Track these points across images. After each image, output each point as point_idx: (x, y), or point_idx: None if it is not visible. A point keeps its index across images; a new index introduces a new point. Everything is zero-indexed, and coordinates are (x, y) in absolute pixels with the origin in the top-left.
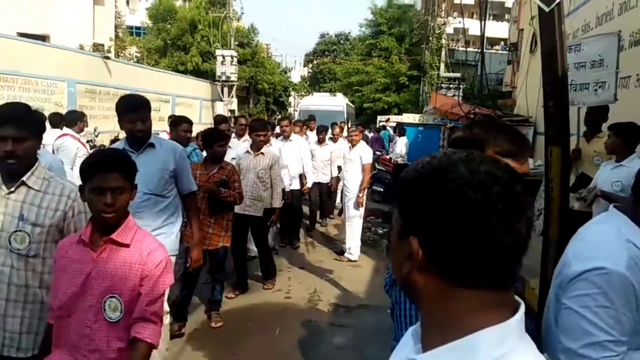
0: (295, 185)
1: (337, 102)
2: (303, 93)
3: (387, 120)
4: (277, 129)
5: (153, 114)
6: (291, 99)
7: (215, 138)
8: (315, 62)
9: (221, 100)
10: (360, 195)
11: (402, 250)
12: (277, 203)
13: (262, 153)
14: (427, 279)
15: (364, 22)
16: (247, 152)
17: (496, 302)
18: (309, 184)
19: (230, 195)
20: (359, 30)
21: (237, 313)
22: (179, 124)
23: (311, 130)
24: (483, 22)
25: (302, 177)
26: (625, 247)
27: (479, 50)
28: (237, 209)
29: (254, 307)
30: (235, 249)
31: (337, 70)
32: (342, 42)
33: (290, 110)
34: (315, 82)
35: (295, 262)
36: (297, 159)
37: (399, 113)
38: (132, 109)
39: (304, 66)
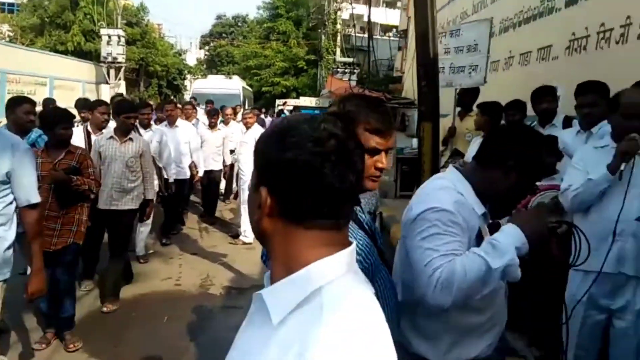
0: (183, 175)
1: (232, 85)
2: (199, 76)
3: (284, 103)
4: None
5: None
6: (187, 82)
7: (58, 119)
8: (212, 44)
9: (107, 83)
10: None
11: (255, 200)
12: (151, 194)
13: (130, 139)
14: (274, 224)
15: (262, 5)
16: (112, 137)
17: (330, 240)
18: (200, 173)
19: (85, 182)
20: (256, 12)
21: (119, 304)
22: (18, 104)
23: (205, 113)
24: (369, 9)
25: (191, 168)
26: (455, 195)
27: (371, 36)
28: (102, 204)
29: (140, 298)
30: (89, 249)
31: (235, 54)
32: (239, 24)
33: (187, 94)
34: (213, 65)
35: (188, 248)
36: (184, 146)
37: (298, 97)
38: None
39: (200, 48)
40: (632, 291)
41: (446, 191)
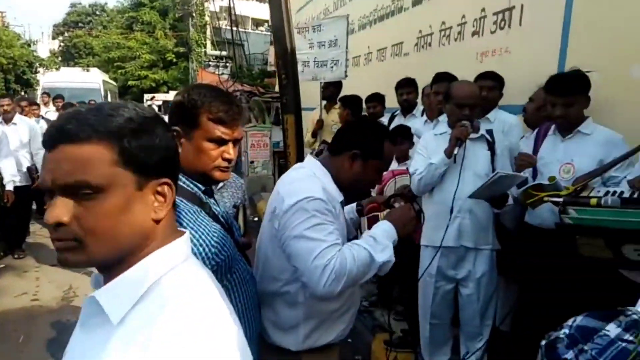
0: (22, 181)
1: (91, 79)
2: (54, 69)
3: (152, 98)
4: None
5: None
6: (39, 76)
7: None
8: (67, 34)
9: None
10: None
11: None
12: None
13: None
14: None
15: None
16: None
17: (162, 233)
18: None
19: None
20: (116, 1)
21: None
22: None
23: (58, 110)
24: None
25: (31, 171)
26: (320, 183)
27: (241, 30)
28: None
29: None
30: None
31: (95, 45)
32: (97, 13)
33: (40, 89)
34: (70, 58)
35: (45, 259)
36: (23, 147)
37: (168, 91)
38: None
39: (54, 39)
40: (472, 262)
41: (312, 179)
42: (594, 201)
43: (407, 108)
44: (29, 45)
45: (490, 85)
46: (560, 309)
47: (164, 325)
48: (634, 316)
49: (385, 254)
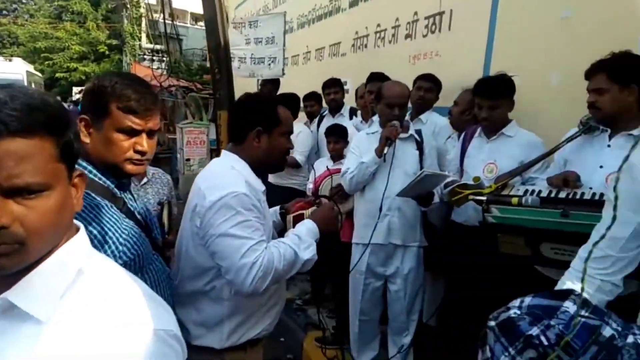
0: None
1: (13, 69)
2: None
3: (81, 91)
4: None
5: None
6: None
7: None
8: None
9: None
10: None
11: None
12: None
13: None
14: None
15: None
16: None
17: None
18: None
19: None
20: None
21: None
22: None
23: None
24: None
25: None
26: (241, 176)
27: (180, 24)
28: None
29: None
30: None
31: (20, 34)
32: (24, 0)
33: None
34: None
35: None
36: None
37: None
38: None
39: None
40: (400, 258)
41: (233, 173)
42: (515, 200)
43: (335, 108)
44: None
45: (428, 87)
46: (483, 305)
47: (115, 311)
48: (584, 295)
49: (309, 252)
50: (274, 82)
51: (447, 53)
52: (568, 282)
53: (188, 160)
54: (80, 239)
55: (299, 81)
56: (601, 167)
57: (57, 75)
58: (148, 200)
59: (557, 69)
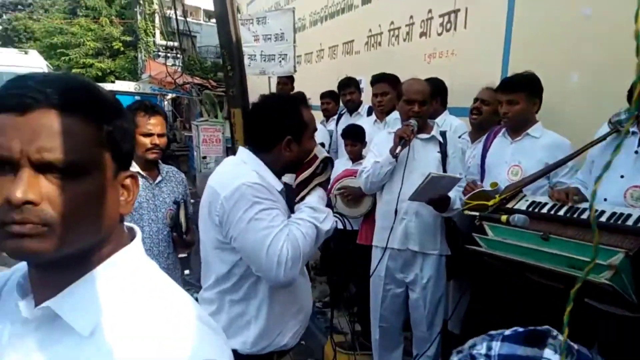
0: None
1: (32, 62)
2: None
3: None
4: None
5: None
6: None
7: None
8: (5, 16)
9: None
10: None
11: None
12: None
13: None
14: None
15: None
16: None
17: (120, 231)
18: None
19: None
20: None
21: None
22: None
23: None
24: None
25: None
26: (248, 167)
27: (193, 21)
28: None
29: None
30: None
31: (36, 29)
32: None
33: None
34: (9, 42)
35: None
36: None
37: (115, 81)
38: None
39: None
40: (419, 266)
41: (243, 167)
42: (504, 218)
43: (352, 108)
44: None
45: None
46: (508, 314)
47: (164, 333)
48: (561, 338)
49: (327, 222)
50: (291, 80)
51: (463, 51)
52: None
53: (204, 158)
54: (134, 249)
55: (313, 79)
56: (622, 177)
57: (74, 71)
58: (164, 199)
59: (578, 68)
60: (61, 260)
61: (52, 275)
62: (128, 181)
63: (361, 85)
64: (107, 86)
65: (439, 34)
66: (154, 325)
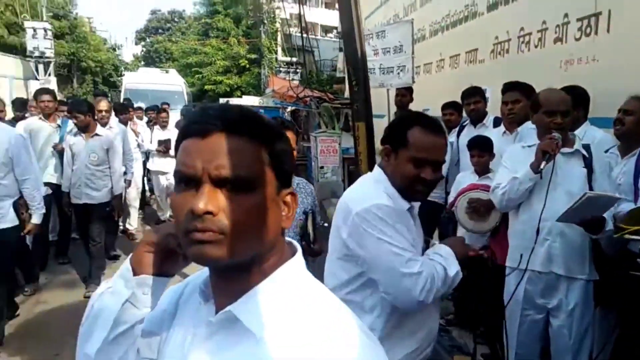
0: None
1: (172, 80)
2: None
3: (227, 102)
4: None
5: None
6: (124, 79)
7: None
8: (148, 40)
9: (36, 79)
10: None
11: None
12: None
13: (97, 134)
14: None
15: (198, 0)
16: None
17: (282, 244)
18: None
19: None
20: (193, 8)
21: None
22: None
23: (139, 119)
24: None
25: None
26: (381, 187)
27: (311, 37)
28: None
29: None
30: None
31: (174, 50)
32: (176, 20)
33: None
34: (151, 62)
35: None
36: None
37: (241, 96)
38: None
39: (137, 44)
40: (565, 291)
41: (375, 187)
42: None
43: (476, 118)
44: (114, 50)
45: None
46: None
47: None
48: None
49: (454, 268)
50: (410, 91)
51: (606, 58)
52: None
53: (322, 168)
54: (298, 262)
55: (432, 90)
56: None
57: (206, 87)
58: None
59: None
60: (235, 266)
61: (230, 282)
62: (288, 198)
63: (486, 95)
64: (234, 101)
65: (577, 39)
66: (320, 333)
